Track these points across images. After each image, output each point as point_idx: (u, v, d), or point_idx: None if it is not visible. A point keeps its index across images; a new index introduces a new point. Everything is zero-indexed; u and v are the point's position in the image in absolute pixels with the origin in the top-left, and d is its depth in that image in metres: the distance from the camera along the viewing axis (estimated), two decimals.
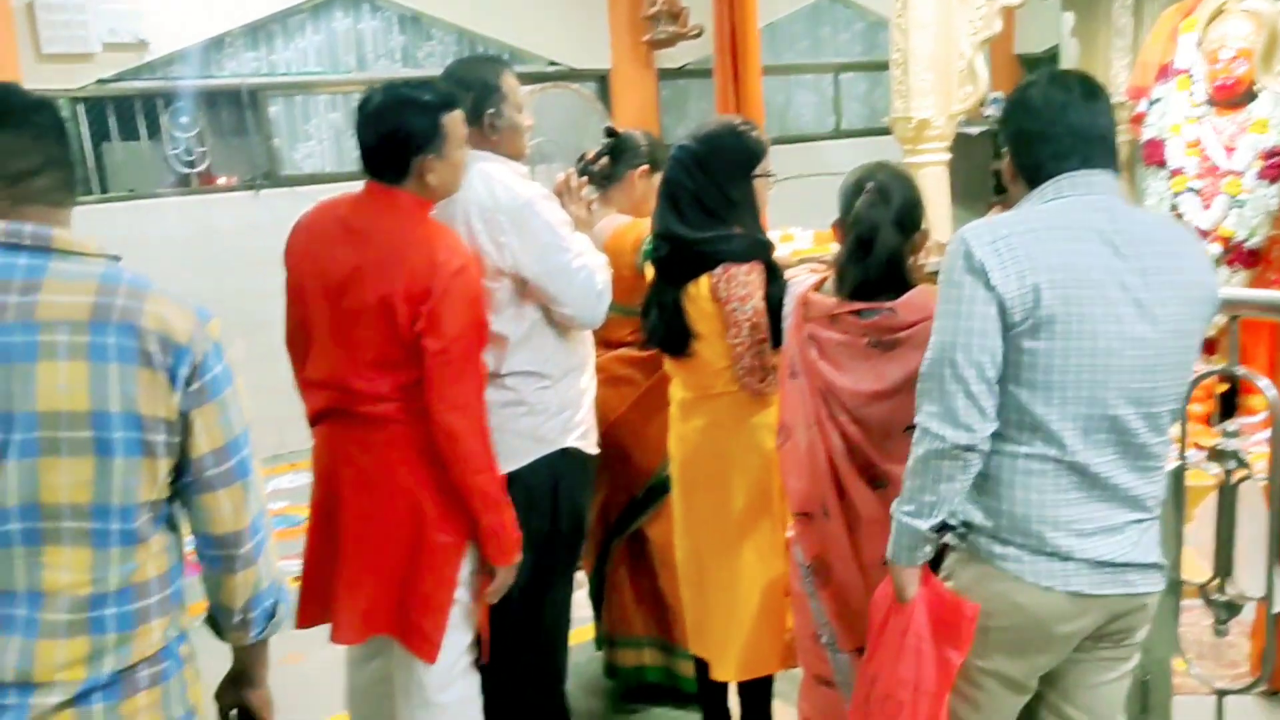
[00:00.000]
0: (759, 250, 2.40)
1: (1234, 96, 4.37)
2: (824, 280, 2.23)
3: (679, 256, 2.43)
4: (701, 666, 2.70)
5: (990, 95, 8.58)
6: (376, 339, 2.16)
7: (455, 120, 2.21)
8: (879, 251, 2.07)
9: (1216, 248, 4.54)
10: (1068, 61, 8.20)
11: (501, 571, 2.28)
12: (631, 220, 2.91)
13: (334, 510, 2.26)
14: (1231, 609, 2.29)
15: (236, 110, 5.83)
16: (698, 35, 6.45)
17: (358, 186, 2.26)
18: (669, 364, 2.58)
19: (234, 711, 1.65)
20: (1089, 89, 1.79)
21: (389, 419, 2.20)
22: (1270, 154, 4.31)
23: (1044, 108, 1.77)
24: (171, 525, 1.50)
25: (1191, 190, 4.59)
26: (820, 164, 6.13)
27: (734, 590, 2.51)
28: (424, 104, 2.17)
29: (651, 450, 2.88)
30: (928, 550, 1.81)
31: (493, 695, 2.47)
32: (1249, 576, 2.27)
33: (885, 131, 4.85)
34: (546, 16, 6.48)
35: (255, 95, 5.82)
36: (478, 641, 2.36)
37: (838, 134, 8.15)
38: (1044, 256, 1.67)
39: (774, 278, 2.37)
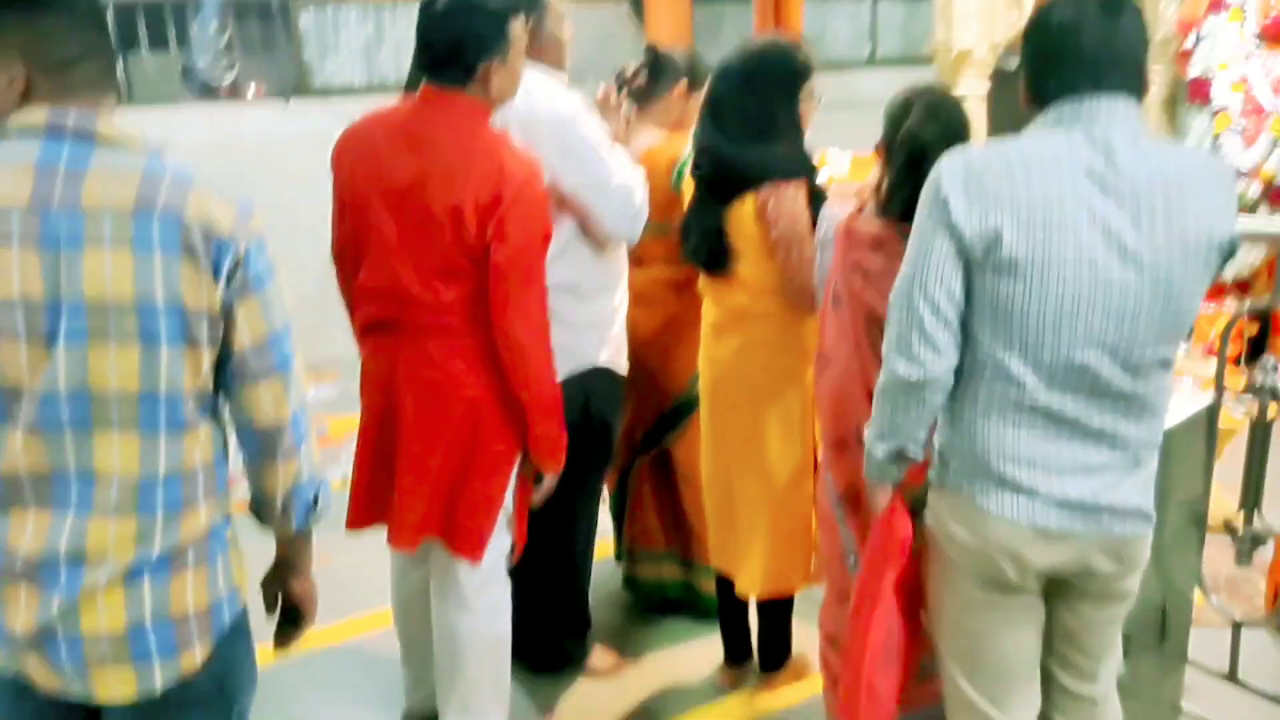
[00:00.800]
0: (805, 169, 2.38)
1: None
2: (862, 207, 2.20)
3: (723, 173, 2.40)
4: (723, 582, 2.74)
5: None
6: (442, 248, 2.15)
7: (519, 27, 2.19)
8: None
9: (1257, 188, 4.48)
10: None
11: (549, 478, 2.34)
12: (668, 138, 2.88)
13: (392, 419, 2.28)
14: (1256, 541, 2.30)
15: (266, 21, 5.77)
16: None
17: (388, 100, 2.24)
18: (704, 284, 2.58)
19: (279, 600, 1.70)
20: (1109, 4, 1.62)
21: (451, 330, 2.21)
22: None
23: (1057, 27, 1.63)
24: (216, 416, 1.52)
25: (1234, 130, 4.52)
26: (853, 93, 6.04)
27: (761, 508, 2.54)
28: (491, 9, 2.14)
29: (679, 371, 2.89)
30: (894, 473, 1.81)
31: (519, 602, 2.52)
32: (1276, 511, 2.27)
33: (921, 61, 4.77)
34: None
35: (285, 6, 5.75)
36: (510, 550, 2.41)
37: (873, 62, 8.01)
38: (1013, 194, 1.58)
39: (816, 199, 2.36)
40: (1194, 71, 4.63)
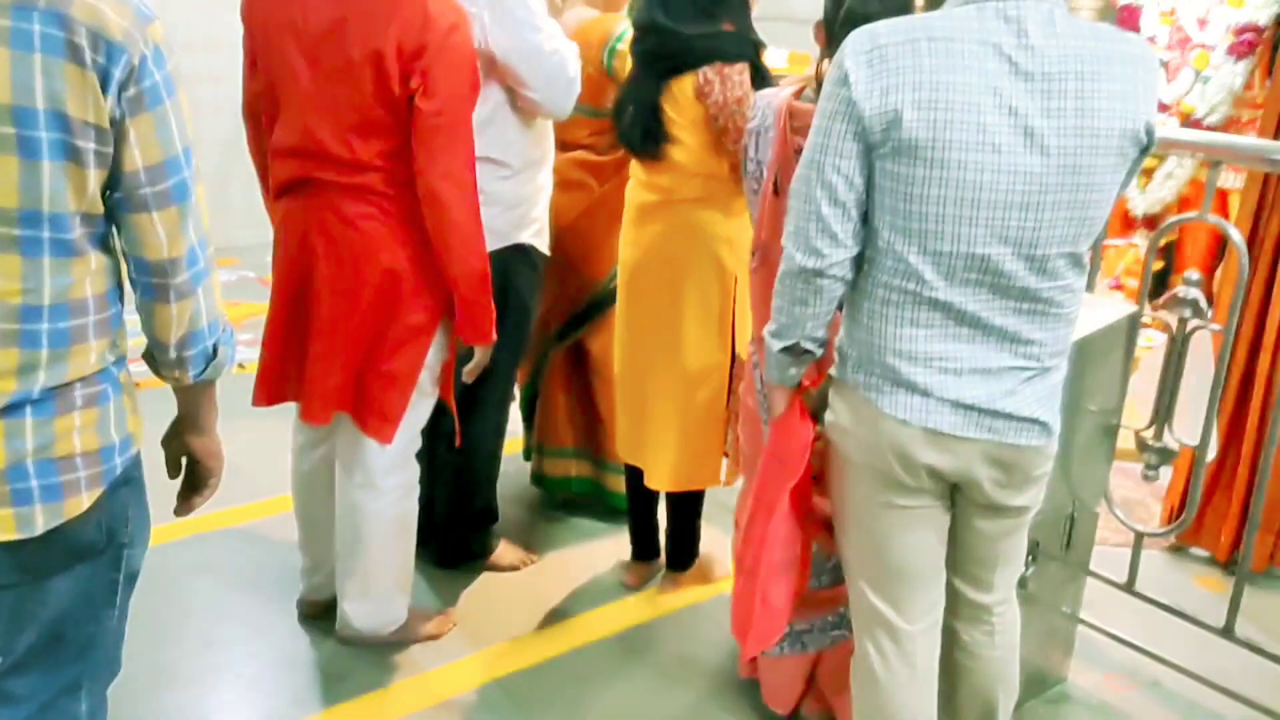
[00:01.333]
0: (752, 51, 2.28)
1: None
2: (803, 88, 2.12)
3: (664, 51, 2.29)
4: (633, 476, 2.70)
5: None
6: (361, 99, 2.02)
7: None
8: None
9: (1175, 122, 4.53)
10: None
11: (479, 351, 2.25)
12: (599, 15, 2.75)
13: (305, 286, 2.16)
14: (1165, 455, 2.33)
15: None
16: None
17: None
18: (635, 166, 2.47)
19: (183, 460, 1.57)
20: None
21: (370, 189, 2.09)
22: (1242, 30, 4.27)
23: None
24: (109, 246, 1.39)
25: (1159, 61, 4.54)
26: (787, 8, 5.91)
27: (675, 401, 2.48)
28: None
29: (600, 260, 2.80)
30: (793, 373, 1.75)
31: (425, 491, 2.44)
32: (1186, 426, 2.30)
33: None
34: None
35: None
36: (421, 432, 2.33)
37: None
38: (915, 72, 1.48)
39: (761, 83, 2.26)
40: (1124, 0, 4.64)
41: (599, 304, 2.85)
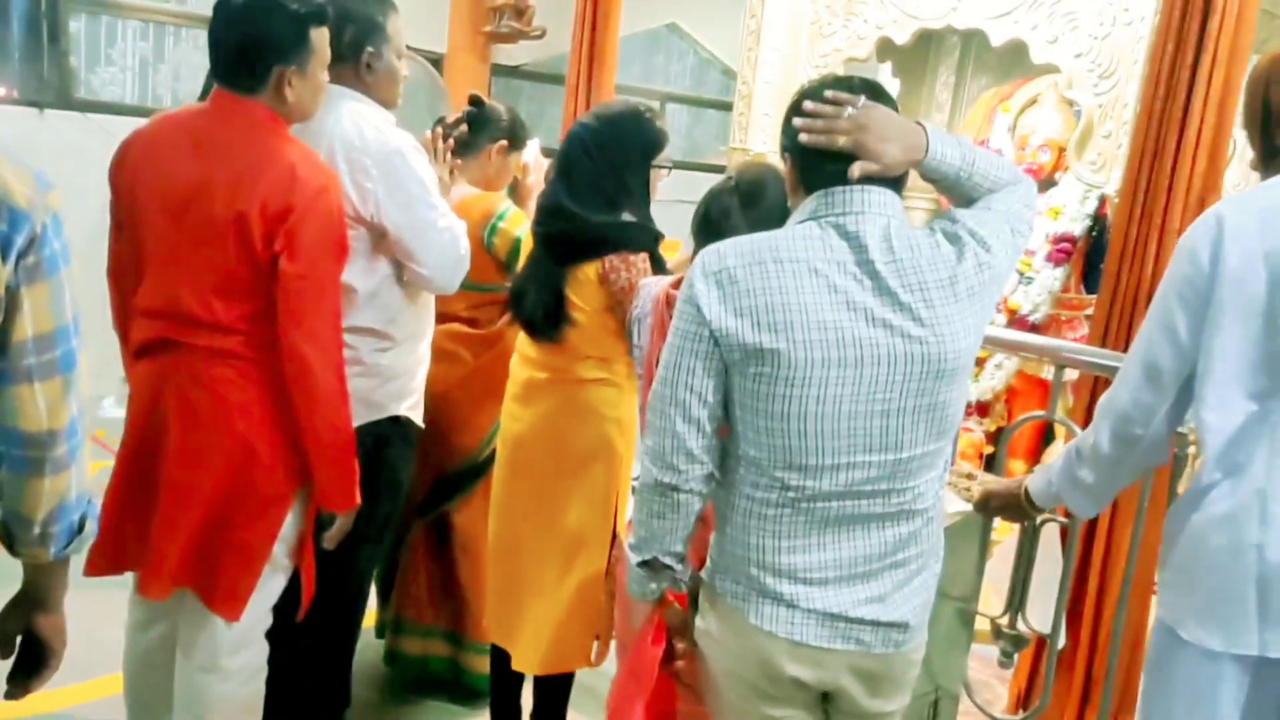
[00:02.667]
0: (653, 240, 2.36)
1: (1037, 182, 4.69)
2: (681, 279, 2.21)
3: (571, 237, 2.34)
4: (498, 658, 2.61)
5: None
6: (224, 260, 1.99)
7: (323, 36, 2.08)
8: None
9: (1002, 318, 4.88)
10: None
11: (341, 518, 2.18)
12: (481, 194, 2.81)
13: (153, 450, 2.06)
14: (1019, 642, 2.42)
15: (32, 18, 5.28)
16: (540, 36, 6.39)
17: None
18: (523, 343, 2.49)
19: (19, 639, 1.45)
20: (873, 90, 1.61)
21: (229, 353, 2.03)
22: (1059, 239, 4.68)
23: (810, 98, 1.58)
24: None
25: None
26: None
27: (551, 582, 2.44)
28: (292, 11, 2.02)
29: (471, 432, 2.79)
30: (653, 588, 1.72)
31: (273, 669, 2.30)
32: (1037, 614, 2.41)
33: (700, 168, 4.94)
34: None
35: (55, 5, 5.28)
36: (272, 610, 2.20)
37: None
38: (765, 294, 1.52)
39: (659, 270, 2.34)
40: None
41: (467, 476, 2.82)
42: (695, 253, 2.07)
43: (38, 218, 1.28)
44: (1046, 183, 4.69)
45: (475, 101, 2.86)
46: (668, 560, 1.67)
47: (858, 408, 1.52)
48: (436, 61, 6.66)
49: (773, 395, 1.53)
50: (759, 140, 4.62)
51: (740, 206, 2.04)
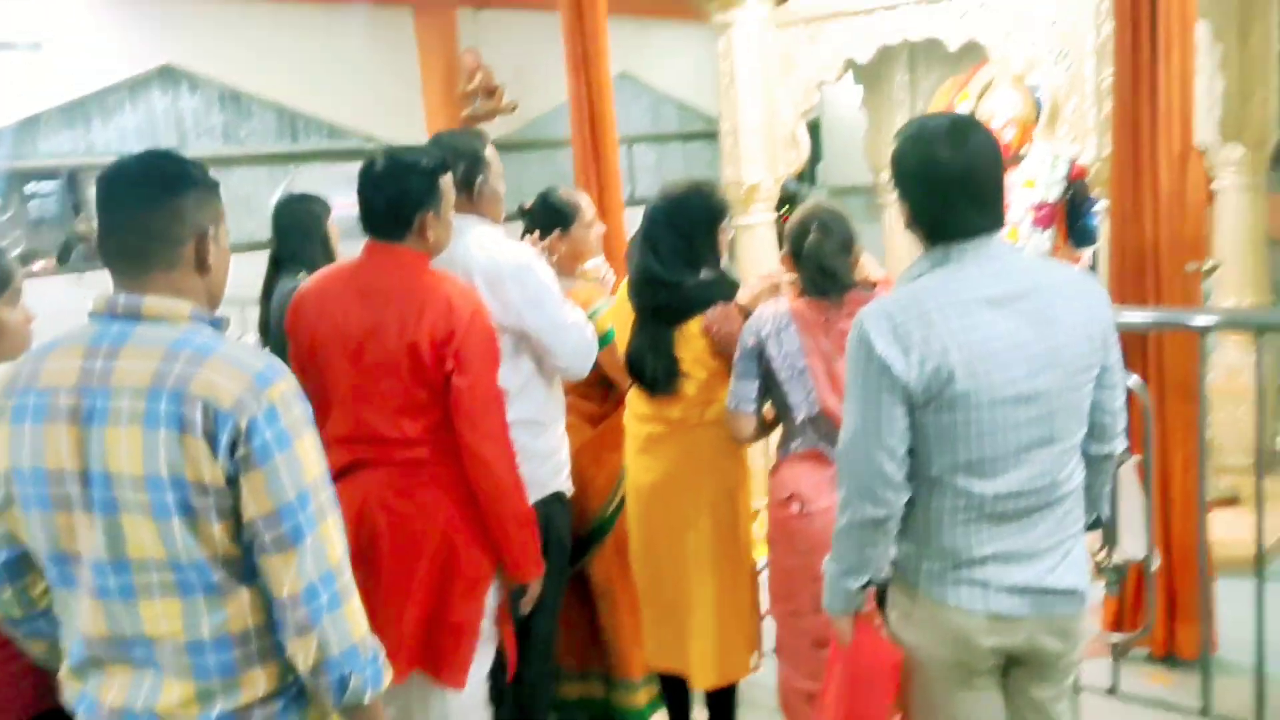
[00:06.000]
0: (734, 290, 2.72)
1: (1006, 159, 5.07)
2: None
3: (672, 302, 2.70)
4: (670, 685, 2.94)
5: None
6: (403, 386, 2.30)
7: (448, 182, 2.43)
8: (838, 275, 2.53)
9: None
10: (831, 127, 9.08)
11: (532, 585, 2.48)
12: (575, 284, 3.06)
13: (367, 555, 2.34)
14: (1120, 571, 2.77)
15: (55, 192, 5.58)
16: (513, 110, 6.76)
17: None
18: (637, 403, 2.82)
19: None
20: (985, 145, 1.83)
21: (421, 462, 2.34)
22: (1039, 206, 5.07)
23: (947, 168, 1.80)
24: (259, 583, 1.52)
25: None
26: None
27: (708, 603, 2.77)
28: (424, 167, 2.37)
29: (597, 493, 3.09)
30: (859, 601, 1.95)
31: None
32: (1130, 543, 2.75)
33: None
34: (363, 93, 6.60)
35: (73, 176, 5.59)
36: (489, 674, 2.51)
37: (632, 201, 8.66)
38: (940, 339, 1.75)
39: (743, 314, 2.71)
40: None
41: (599, 533, 3.13)
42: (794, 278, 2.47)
43: (244, 414, 1.44)
44: (1015, 158, 5.08)
45: (544, 196, 3.15)
46: (879, 576, 1.96)
47: (1025, 416, 1.80)
48: None
49: (956, 422, 1.79)
50: (752, 171, 4.97)
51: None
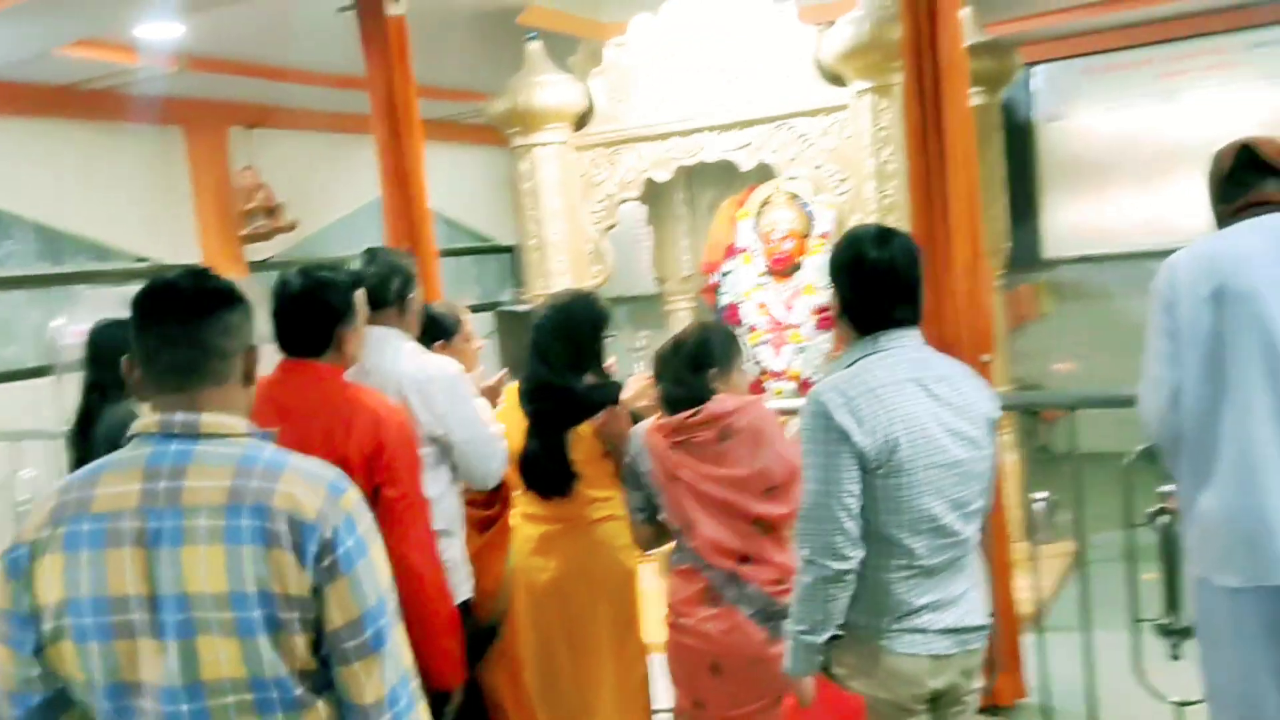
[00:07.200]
0: (619, 393, 2.88)
1: (786, 268, 5.58)
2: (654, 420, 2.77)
3: (562, 405, 2.82)
4: None
5: None
6: None
7: (362, 297, 2.49)
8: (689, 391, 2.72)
9: (791, 384, 5.71)
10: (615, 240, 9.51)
11: (455, 692, 2.49)
12: None
13: None
14: (1187, 634, 2.98)
15: None
16: (293, 228, 6.66)
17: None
18: (530, 506, 2.90)
19: None
20: (908, 250, 2.19)
21: None
22: (819, 310, 5.58)
23: (874, 267, 2.14)
24: (333, 693, 1.53)
25: (765, 342, 5.76)
26: None
27: (609, 687, 2.89)
28: (340, 283, 2.43)
29: (485, 598, 3.12)
30: (819, 659, 2.19)
31: None
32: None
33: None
34: (131, 212, 6.30)
35: None
36: None
37: None
38: (886, 413, 2.07)
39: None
40: (724, 300, 5.84)
41: (487, 640, 3.15)
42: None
43: (327, 525, 1.47)
44: (794, 267, 5.58)
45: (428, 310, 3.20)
46: (837, 630, 2.16)
47: (948, 481, 2.13)
48: None
49: (899, 484, 2.09)
50: (560, 281, 5.19)
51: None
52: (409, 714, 1.54)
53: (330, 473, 1.55)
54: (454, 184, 8.32)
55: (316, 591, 1.47)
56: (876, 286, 2.18)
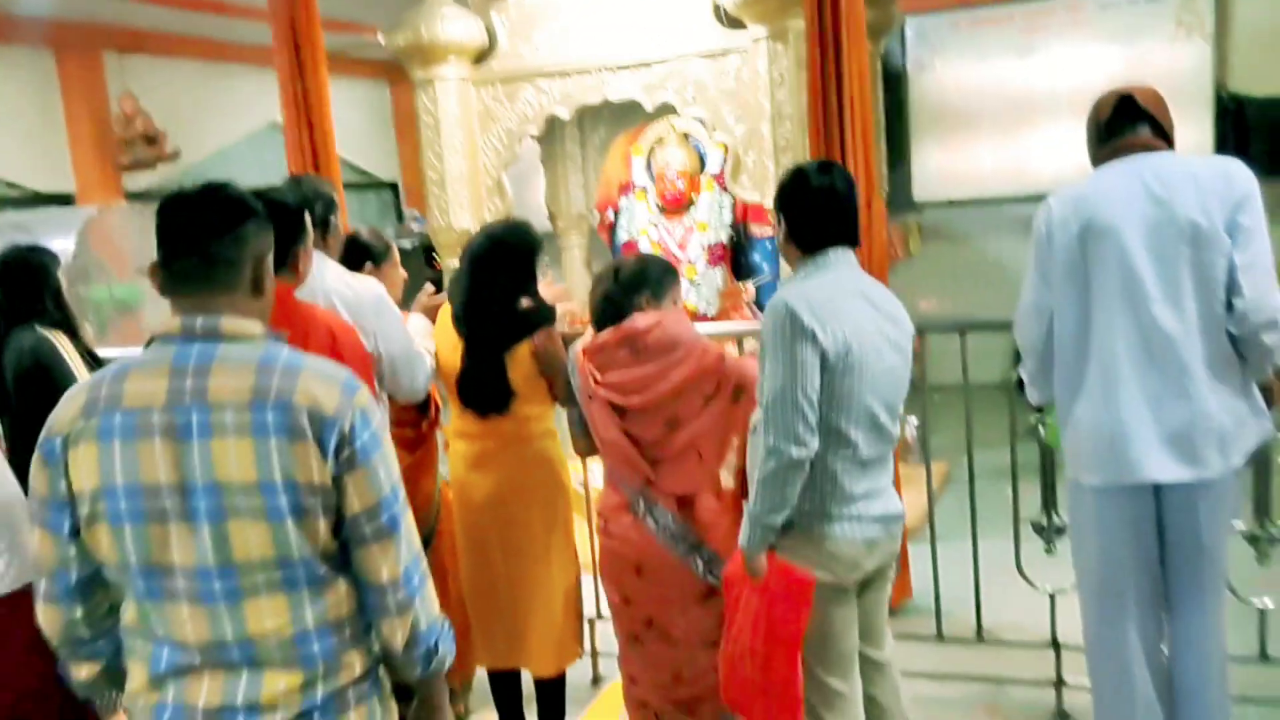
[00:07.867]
0: (554, 315, 3.03)
1: (679, 206, 5.76)
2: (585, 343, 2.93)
3: (501, 327, 2.94)
4: (498, 683, 3.18)
5: (411, 213, 9.57)
6: None
7: (308, 219, 2.58)
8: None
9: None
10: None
11: None
12: None
13: None
14: (1275, 541, 3.14)
15: None
16: (176, 157, 6.51)
17: None
18: (465, 424, 3.04)
19: None
20: (846, 176, 2.48)
21: None
22: (712, 247, 5.81)
23: (818, 192, 2.42)
24: (350, 573, 1.65)
25: None
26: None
27: (541, 596, 3.05)
28: (293, 205, 2.52)
29: (414, 514, 3.26)
30: (772, 538, 2.40)
31: None
32: None
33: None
34: (2, 138, 6.06)
35: None
36: None
37: None
38: (842, 317, 2.32)
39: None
40: (622, 237, 6.01)
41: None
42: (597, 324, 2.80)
43: (345, 419, 1.57)
44: (687, 204, 5.78)
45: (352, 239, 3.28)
46: (791, 513, 2.38)
47: (884, 382, 2.40)
48: (68, 199, 6.51)
49: (848, 379, 2.34)
50: (460, 218, 5.27)
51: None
52: (421, 590, 1.67)
53: (343, 373, 1.65)
54: (334, 118, 8.17)
55: (336, 480, 1.57)
56: (820, 208, 2.45)
